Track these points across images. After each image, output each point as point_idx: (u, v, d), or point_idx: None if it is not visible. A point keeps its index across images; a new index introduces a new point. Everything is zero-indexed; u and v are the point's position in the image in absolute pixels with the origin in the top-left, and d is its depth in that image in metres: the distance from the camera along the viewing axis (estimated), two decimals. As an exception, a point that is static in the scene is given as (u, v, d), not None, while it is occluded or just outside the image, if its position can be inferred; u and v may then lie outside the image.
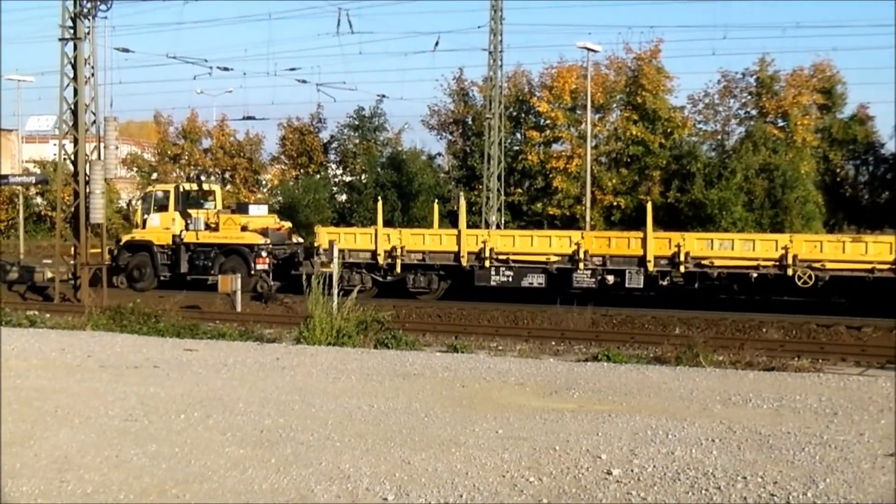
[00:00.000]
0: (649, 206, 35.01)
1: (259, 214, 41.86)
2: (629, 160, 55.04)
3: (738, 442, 11.60)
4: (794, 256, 31.46)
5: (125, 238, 42.29)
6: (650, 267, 33.13)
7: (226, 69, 51.19)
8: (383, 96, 61.58)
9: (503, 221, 49.53)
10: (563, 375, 17.04)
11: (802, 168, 51.54)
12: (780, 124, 54.29)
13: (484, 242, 35.27)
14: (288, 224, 42.91)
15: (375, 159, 58.65)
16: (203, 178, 44.46)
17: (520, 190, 56.64)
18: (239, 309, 34.28)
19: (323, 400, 14.30)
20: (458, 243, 35.63)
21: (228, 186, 63.75)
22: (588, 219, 49.41)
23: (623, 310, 32.17)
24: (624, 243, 33.96)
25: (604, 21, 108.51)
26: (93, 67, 35.58)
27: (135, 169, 66.84)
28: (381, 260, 36.48)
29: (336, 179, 62.85)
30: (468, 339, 26.15)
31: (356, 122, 61.91)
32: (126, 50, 43.95)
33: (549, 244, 34.76)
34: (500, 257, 34.93)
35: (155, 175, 65.91)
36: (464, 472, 10.22)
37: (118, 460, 10.73)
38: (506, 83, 54.33)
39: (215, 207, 42.48)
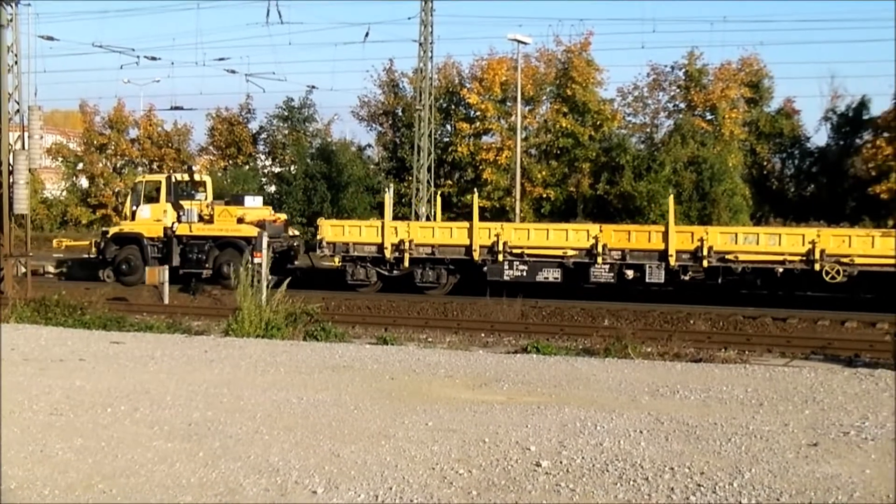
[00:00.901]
0: (671, 199, 34.18)
1: (254, 206, 40.26)
2: (559, 152, 55.30)
3: (666, 433, 11.69)
4: (822, 251, 30.68)
5: (113, 230, 40.45)
6: (672, 261, 32.22)
7: (153, 58, 50.68)
8: (313, 87, 61.38)
9: (433, 213, 49.52)
10: (493, 367, 17.08)
11: (730, 161, 52.07)
12: (709, 117, 54.80)
13: (497, 236, 34.14)
14: (283, 216, 41.94)
15: (305, 150, 58.44)
16: (195, 167, 42.82)
17: (450, 181, 56.71)
18: (167, 301, 33.91)
19: (251, 392, 14.22)
20: (470, 236, 34.55)
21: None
22: (518, 210, 49.54)
23: (552, 301, 32.28)
24: (644, 237, 33.17)
25: (534, 13, 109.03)
26: (16, 55, 34.93)
27: (60, 159, 65.93)
28: (388, 254, 35.29)
29: (265, 170, 62.54)
30: (398, 331, 26.10)
31: (285, 113, 61.67)
32: (51, 38, 43.31)
33: (566, 238, 33.69)
34: (515, 251, 33.86)
35: (81, 165, 65.17)
36: (393, 464, 10.21)
37: (43, 455, 10.58)
38: (436, 75, 54.37)
39: (206, 198, 40.68)
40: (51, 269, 43.09)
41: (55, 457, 10.52)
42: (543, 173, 54.52)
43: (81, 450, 10.79)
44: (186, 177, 41.46)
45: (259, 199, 41.86)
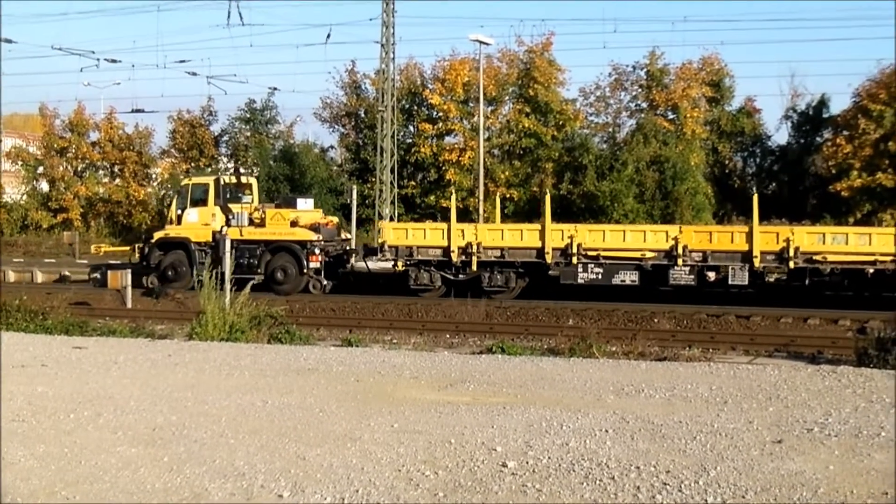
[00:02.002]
0: (755, 199, 32.92)
1: (307, 209, 38.92)
2: (521, 152, 55.40)
3: (632, 432, 11.72)
4: None
5: (157, 235, 38.85)
6: (756, 263, 31.27)
7: (113, 61, 50.49)
8: (275, 89, 61.04)
9: (396, 214, 49.53)
10: (458, 368, 17.08)
11: (692, 160, 52.30)
12: (670, 117, 55.02)
13: (571, 238, 32.97)
14: (335, 219, 40.91)
15: (267, 152, 58.29)
16: (242, 169, 41.32)
17: (413, 182, 56.71)
18: (129, 305, 33.73)
19: (216, 396, 14.15)
20: (542, 239, 33.37)
21: (117, 180, 62.89)
22: (481, 211, 49.59)
23: (517, 302, 32.34)
24: (727, 238, 32.24)
25: (496, 14, 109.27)
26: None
27: (20, 162, 65.47)
28: (454, 257, 34.17)
29: (227, 173, 62.31)
30: (362, 333, 26.06)
31: (247, 115, 61.50)
32: (9, 41, 43.04)
33: (644, 239, 32.79)
34: (589, 253, 32.79)
35: (41, 169, 64.70)
36: (359, 467, 10.18)
37: (5, 462, 10.47)
38: (398, 76, 54.37)
39: (253, 201, 39.14)
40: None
41: (17, 464, 10.41)
42: (506, 173, 54.61)
43: (44, 456, 10.69)
44: (234, 179, 40.29)
45: (310, 202, 40.66)
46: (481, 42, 48.05)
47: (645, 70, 56.13)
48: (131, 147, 63.83)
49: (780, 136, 58.63)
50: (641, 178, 50.56)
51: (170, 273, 37.32)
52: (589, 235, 33.35)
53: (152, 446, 11.13)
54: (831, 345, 22.96)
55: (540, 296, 33.08)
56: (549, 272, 34.14)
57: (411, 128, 58.43)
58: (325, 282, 36.54)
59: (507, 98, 56.93)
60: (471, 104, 55.39)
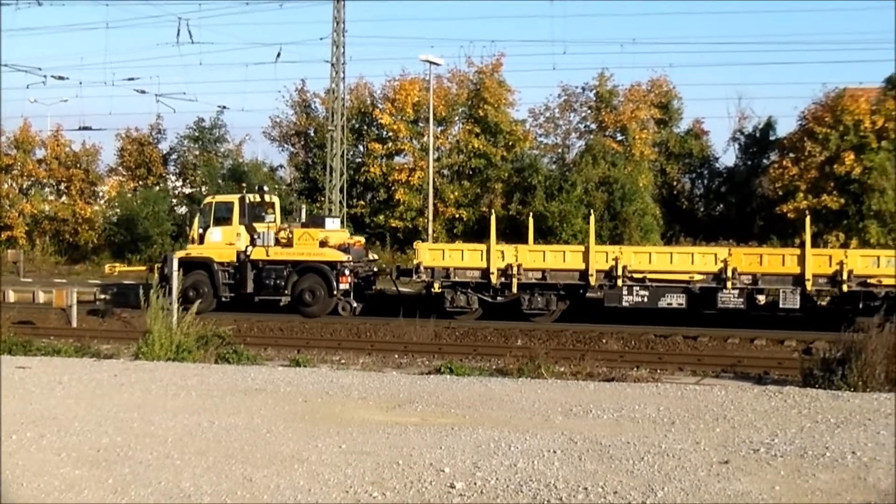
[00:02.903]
0: (807, 221, 32.43)
1: (334, 228, 37.98)
2: (471, 173, 55.49)
3: (580, 452, 11.73)
4: None
5: (178, 255, 36.34)
6: (808, 286, 30.63)
7: (61, 78, 50.11)
8: (224, 107, 61.10)
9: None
10: (407, 389, 17.04)
11: (640, 181, 52.58)
12: (619, 138, 55.27)
13: (616, 259, 32.30)
14: (362, 239, 40.27)
15: (216, 171, 58.05)
16: (265, 188, 40.09)
17: (362, 202, 56.64)
18: (75, 324, 33.41)
19: (162, 417, 14.03)
20: (586, 260, 32.64)
21: (64, 198, 62.33)
22: (430, 231, 49.59)
23: (465, 322, 32.34)
24: (778, 260, 31.62)
25: (446, 34, 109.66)
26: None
27: (-36, 180, 64.73)
28: (493, 279, 33.32)
29: (176, 191, 61.98)
30: (310, 353, 25.93)
31: (196, 134, 61.19)
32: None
33: (692, 261, 32.12)
34: (635, 276, 32.08)
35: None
36: (307, 488, 10.12)
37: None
38: (348, 95, 54.35)
39: (275, 220, 38.26)
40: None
41: (-42, 486, 10.27)
42: (456, 194, 54.66)
43: (-14, 478, 10.55)
44: (258, 197, 38.90)
45: (337, 222, 39.85)
46: (431, 62, 48.13)
47: (594, 91, 56.43)
48: (78, 165, 63.29)
49: (728, 157, 59.08)
50: (590, 198, 50.75)
51: (191, 294, 35.14)
52: (634, 257, 32.80)
53: (97, 468, 11.01)
54: (777, 365, 23.10)
55: (580, 319, 32.49)
56: (588, 294, 33.53)
57: (361, 147, 58.40)
58: (354, 303, 35.73)
59: (456, 118, 57.01)
60: (420, 124, 55.44)
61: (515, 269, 33.17)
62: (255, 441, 12.44)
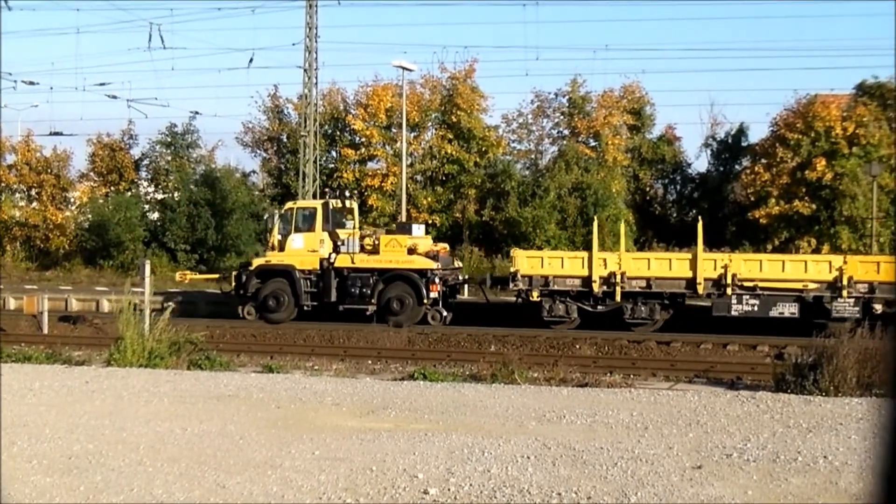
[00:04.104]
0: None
1: (420, 235, 36.76)
2: (444, 178, 55.45)
3: (553, 458, 11.74)
4: None
5: (256, 262, 36.55)
6: None
7: (31, 83, 49.71)
8: (196, 113, 60.46)
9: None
10: (380, 395, 17.02)
11: (613, 187, 52.64)
12: (592, 144, 55.32)
13: (725, 267, 31.40)
14: (447, 246, 38.66)
15: (188, 177, 57.76)
16: (347, 192, 38.76)
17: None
18: (46, 331, 33.19)
19: (134, 424, 13.97)
20: (693, 268, 31.71)
21: (34, 204, 61.94)
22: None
23: (438, 328, 32.31)
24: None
25: (419, 40, 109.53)
26: None
27: (-66, 185, 64.24)
28: (595, 287, 32.27)
29: (148, 197, 61.67)
30: (284, 359, 25.92)
31: (168, 139, 60.86)
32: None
33: (805, 269, 31.09)
34: (745, 284, 31.16)
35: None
36: (280, 494, 10.10)
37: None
38: (321, 101, 54.24)
39: (354, 226, 37.05)
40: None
41: (-72, 494, 10.19)
42: (429, 199, 54.61)
43: (-44, 486, 10.47)
44: (340, 203, 37.65)
45: (422, 228, 38.80)
46: (404, 68, 48.07)
47: (567, 97, 56.46)
48: (49, 170, 62.85)
49: (700, 163, 59.24)
50: (563, 204, 50.82)
51: (271, 303, 35.03)
52: (744, 265, 31.94)
53: (68, 475, 10.95)
54: (750, 371, 23.20)
55: (683, 328, 31.55)
56: (687, 302, 32.68)
57: (334, 153, 58.25)
58: (444, 312, 34.48)
59: (429, 124, 56.95)
60: (393, 130, 55.37)
61: (619, 277, 32.18)
62: (228, 447, 12.39)
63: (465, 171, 54.67)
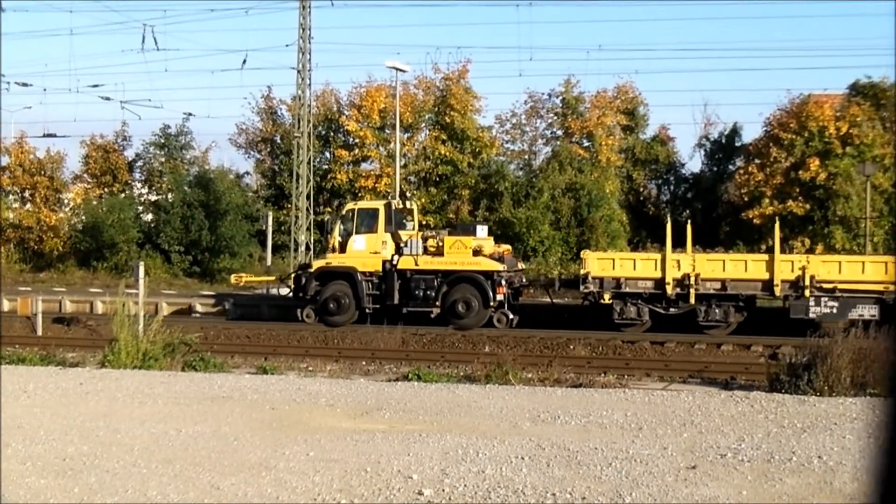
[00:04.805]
0: None
1: (484, 237, 35.84)
2: (438, 179, 55.48)
3: (547, 459, 11.74)
4: None
5: (317, 264, 35.99)
6: None
7: (24, 84, 49.77)
8: (190, 114, 60.54)
9: (312, 240, 49.30)
10: (374, 396, 17.02)
11: (607, 187, 52.71)
12: (585, 144, 55.38)
13: (803, 269, 30.78)
14: (509, 247, 37.87)
15: (182, 178, 57.72)
16: (407, 193, 38.05)
17: (329, 209, 56.48)
18: (40, 332, 33.13)
19: (129, 425, 13.95)
20: (770, 270, 31.13)
21: (28, 206, 61.84)
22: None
23: (432, 328, 32.28)
24: None
25: (412, 41, 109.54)
26: None
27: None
28: (669, 290, 31.70)
29: (142, 198, 61.63)
30: (278, 360, 25.89)
31: (162, 141, 60.82)
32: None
33: (885, 271, 30.46)
34: (824, 286, 30.49)
35: None
36: (274, 496, 10.09)
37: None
38: (315, 102, 54.19)
39: (414, 227, 36.70)
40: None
41: (-78, 496, 10.17)
42: (423, 200, 54.59)
43: (-50, 488, 10.45)
44: (401, 204, 37.38)
45: (485, 229, 37.64)
46: (397, 69, 48.08)
47: (560, 98, 56.51)
48: (42, 172, 62.75)
49: (694, 164, 59.31)
50: (557, 205, 50.86)
51: (331, 305, 34.48)
52: (823, 266, 31.21)
53: (63, 477, 10.93)
54: (744, 371, 23.18)
55: (758, 332, 30.81)
56: (758, 304, 32.34)
57: (327, 154, 58.24)
58: (511, 315, 33.81)
59: (423, 125, 56.97)
60: (387, 131, 55.37)
61: (693, 279, 31.69)
62: (223, 449, 12.38)
63: (459, 172, 54.72)
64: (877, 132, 48.52)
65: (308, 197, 48.56)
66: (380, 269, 34.50)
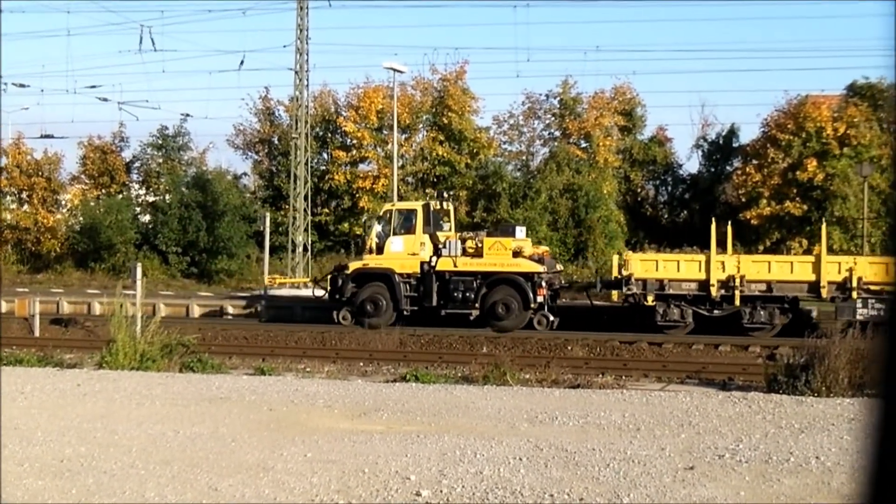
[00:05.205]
0: None
1: (523, 238, 35.37)
2: (435, 180, 55.43)
3: (545, 459, 11.74)
4: None
5: (354, 266, 35.61)
6: None
7: (22, 85, 49.75)
8: (187, 115, 60.40)
9: (310, 241, 49.31)
10: (372, 397, 17.01)
11: (605, 188, 52.68)
12: (583, 145, 55.33)
13: (850, 271, 30.55)
14: (547, 248, 38.16)
15: (180, 179, 57.69)
16: (444, 194, 37.75)
17: (326, 210, 56.48)
18: (37, 333, 33.10)
19: (126, 426, 13.94)
20: (816, 272, 30.94)
21: (25, 207, 61.80)
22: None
23: (430, 329, 32.27)
24: None
25: (410, 42, 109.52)
26: None
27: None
28: (713, 291, 31.56)
29: (139, 200, 61.59)
30: (275, 362, 25.87)
31: (160, 142, 60.77)
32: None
33: None
34: (871, 288, 30.13)
35: None
36: (272, 497, 10.08)
37: None
38: (312, 103, 54.19)
39: (451, 228, 36.40)
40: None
41: (-80, 497, 10.16)
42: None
43: (-52, 489, 10.44)
44: (439, 205, 37.08)
45: (524, 230, 36.91)
46: (395, 70, 48.06)
47: (558, 99, 56.48)
48: (40, 173, 62.71)
49: (691, 164, 59.27)
50: (555, 206, 50.85)
51: (369, 307, 34.26)
52: (870, 268, 30.83)
53: (60, 478, 10.93)
54: (742, 371, 23.20)
55: (801, 334, 30.58)
56: (800, 306, 32.09)
57: (325, 155, 58.21)
58: (551, 317, 33.47)
59: (420, 126, 56.95)
60: (385, 132, 55.35)
61: (738, 280, 31.51)
62: (221, 450, 12.38)
63: (457, 173, 54.69)
64: (874, 133, 48.52)
65: (306, 198, 48.57)
66: (418, 270, 34.30)
